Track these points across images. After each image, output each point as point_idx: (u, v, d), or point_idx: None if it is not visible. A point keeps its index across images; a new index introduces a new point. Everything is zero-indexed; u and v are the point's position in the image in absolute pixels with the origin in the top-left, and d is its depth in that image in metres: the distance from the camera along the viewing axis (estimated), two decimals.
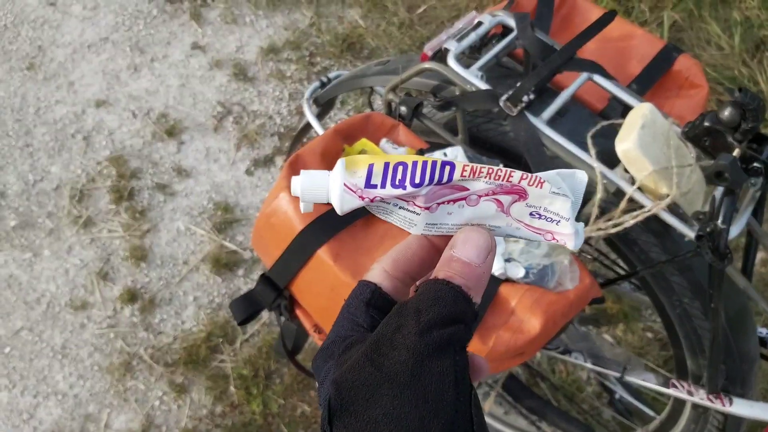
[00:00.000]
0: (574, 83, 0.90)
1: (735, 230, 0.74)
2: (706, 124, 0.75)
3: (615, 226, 0.79)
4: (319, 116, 1.25)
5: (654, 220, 0.83)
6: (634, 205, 0.81)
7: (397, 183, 0.35)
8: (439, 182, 0.35)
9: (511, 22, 0.97)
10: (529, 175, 0.36)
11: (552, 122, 0.86)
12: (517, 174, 0.36)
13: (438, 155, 0.87)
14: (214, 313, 1.74)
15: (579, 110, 0.94)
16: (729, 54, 2.10)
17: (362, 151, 0.92)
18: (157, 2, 2.45)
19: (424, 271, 0.39)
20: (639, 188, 0.79)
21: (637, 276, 0.90)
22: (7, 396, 1.66)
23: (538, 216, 0.37)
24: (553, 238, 0.37)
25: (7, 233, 1.90)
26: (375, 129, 0.95)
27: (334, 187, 0.36)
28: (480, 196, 0.36)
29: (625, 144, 0.78)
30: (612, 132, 0.84)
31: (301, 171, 0.37)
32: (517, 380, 1.29)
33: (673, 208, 0.79)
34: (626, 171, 0.81)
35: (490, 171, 0.35)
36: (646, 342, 1.63)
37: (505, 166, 0.91)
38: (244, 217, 1.92)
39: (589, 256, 1.04)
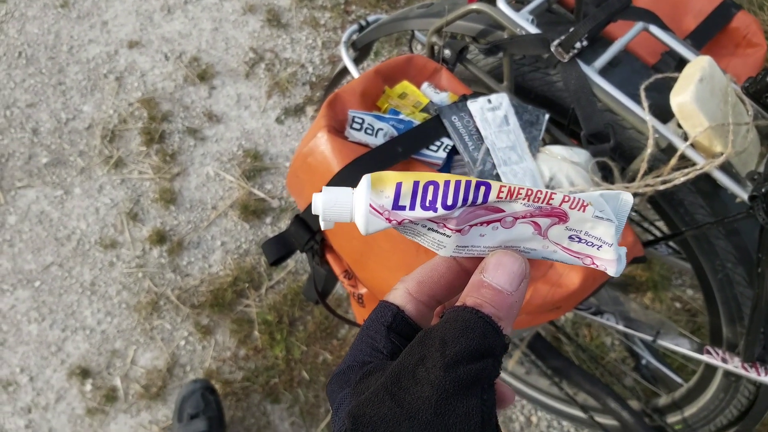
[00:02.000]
0: (628, 32, 0.86)
1: None
2: None
3: (664, 182, 0.76)
4: (356, 61, 1.22)
5: (704, 179, 0.79)
6: (684, 163, 0.77)
7: (427, 204, 0.32)
8: (473, 204, 0.33)
9: None
10: (572, 197, 0.33)
11: (603, 72, 0.83)
12: (558, 196, 0.33)
13: (482, 101, 0.84)
14: (241, 258, 1.75)
15: (632, 62, 0.89)
16: None
17: (402, 95, 0.89)
18: None
19: (451, 294, 0.36)
20: (692, 144, 0.76)
21: (681, 237, 0.88)
22: (37, 328, 1.70)
23: (578, 240, 0.34)
24: (593, 263, 0.35)
25: (39, 170, 1.92)
26: (417, 72, 0.92)
27: (358, 207, 0.33)
28: (516, 218, 0.33)
29: (681, 97, 0.75)
30: (665, 87, 0.80)
31: (323, 188, 0.34)
32: (543, 339, 1.28)
33: (727, 168, 0.76)
34: (679, 127, 0.78)
35: (529, 192, 0.33)
36: (674, 311, 1.60)
37: (550, 117, 0.87)
38: (273, 165, 1.91)
39: (634, 213, 1.01)
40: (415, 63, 0.92)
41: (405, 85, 0.90)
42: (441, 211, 0.32)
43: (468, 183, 0.32)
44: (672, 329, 1.00)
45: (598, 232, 0.34)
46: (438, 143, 0.82)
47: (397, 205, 0.33)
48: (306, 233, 0.89)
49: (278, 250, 0.93)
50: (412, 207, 0.33)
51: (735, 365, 0.89)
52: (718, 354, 0.91)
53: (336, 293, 1.68)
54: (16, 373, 1.64)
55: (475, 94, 0.88)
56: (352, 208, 0.34)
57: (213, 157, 1.92)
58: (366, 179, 0.33)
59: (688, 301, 1.60)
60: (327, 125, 0.81)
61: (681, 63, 0.90)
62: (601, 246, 0.34)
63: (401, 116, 0.86)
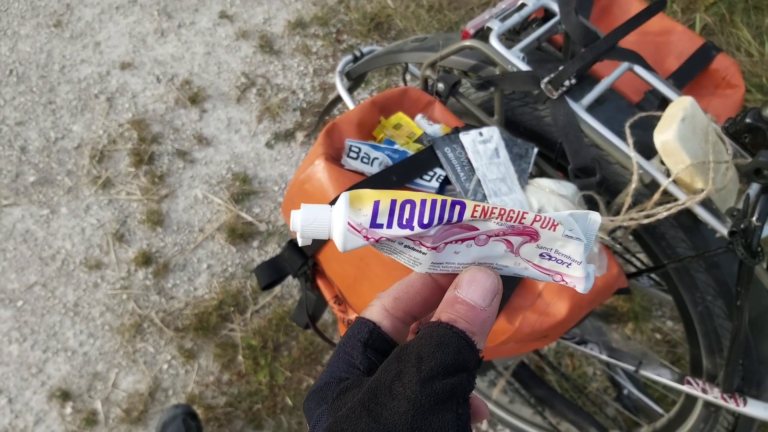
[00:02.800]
0: (614, 72, 0.90)
1: None
2: (748, 120, 0.74)
3: (647, 216, 0.79)
4: (350, 90, 1.24)
5: (685, 214, 0.82)
6: (667, 198, 0.81)
7: (404, 223, 0.33)
8: (449, 222, 0.33)
9: (555, 7, 0.97)
10: (542, 216, 0.34)
11: (590, 109, 0.86)
12: (530, 215, 0.34)
13: (474, 134, 0.87)
14: (227, 282, 1.75)
15: (617, 100, 0.93)
16: (758, 61, 2.09)
17: (397, 125, 0.92)
18: None
19: (427, 310, 0.37)
20: (674, 181, 0.79)
21: (662, 270, 0.90)
22: (18, 349, 1.67)
23: (548, 257, 0.35)
24: (563, 280, 0.36)
25: (26, 188, 1.91)
26: (411, 104, 0.94)
27: (336, 225, 0.34)
28: (489, 237, 0.34)
29: (664, 135, 0.78)
30: (648, 124, 0.84)
31: (302, 205, 0.34)
32: (527, 368, 1.29)
33: (707, 204, 0.79)
34: (662, 163, 0.81)
35: (502, 212, 0.34)
36: (654, 342, 1.63)
37: (539, 151, 0.90)
38: (261, 189, 1.92)
39: (618, 246, 1.04)
40: (409, 95, 0.95)
41: (400, 116, 0.92)
42: (417, 229, 0.33)
43: (444, 202, 0.33)
44: (654, 360, 1.02)
45: (567, 251, 0.35)
46: (431, 173, 0.84)
47: (374, 223, 0.33)
48: (299, 258, 0.90)
49: (271, 274, 0.94)
50: (390, 225, 0.33)
51: (715, 396, 0.91)
52: (698, 384, 0.94)
53: (322, 320, 1.68)
54: None
55: (467, 127, 0.91)
56: (330, 225, 0.34)
57: (202, 179, 1.93)
58: (344, 197, 0.33)
59: (668, 333, 1.63)
60: (324, 153, 0.83)
61: (663, 102, 0.94)
62: (570, 264, 0.35)
63: (396, 146, 0.88)
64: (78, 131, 2.03)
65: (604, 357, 1.03)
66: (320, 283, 0.97)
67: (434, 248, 0.34)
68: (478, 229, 0.34)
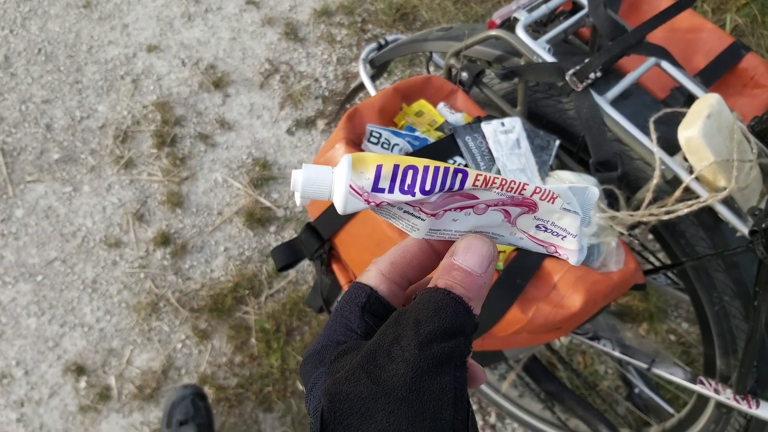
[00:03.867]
0: (641, 67, 0.89)
1: None
2: None
3: (668, 212, 0.78)
4: (373, 78, 1.25)
5: (706, 212, 0.82)
6: (688, 195, 0.80)
7: (406, 188, 0.33)
8: (450, 190, 0.34)
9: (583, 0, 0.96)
10: (542, 188, 0.34)
11: (615, 103, 0.85)
12: (530, 187, 0.34)
13: (495, 124, 0.87)
14: (243, 265, 1.77)
15: (642, 95, 0.92)
16: None
17: (419, 113, 0.92)
18: None
19: (423, 274, 0.37)
20: (697, 178, 0.78)
21: (680, 268, 0.90)
22: (36, 323, 1.71)
23: (544, 229, 0.36)
24: (556, 252, 0.36)
25: (50, 165, 1.94)
26: (434, 92, 0.94)
27: (338, 186, 0.33)
28: (489, 206, 0.35)
29: (689, 131, 0.77)
30: (673, 121, 0.83)
31: (303, 165, 0.34)
32: (539, 362, 1.29)
33: (729, 202, 0.78)
34: (685, 160, 0.80)
35: (504, 182, 0.34)
36: (668, 344, 1.62)
37: (560, 143, 0.90)
38: (280, 175, 1.93)
39: (636, 242, 1.03)
40: (432, 83, 0.95)
41: (422, 104, 0.93)
42: (419, 195, 0.33)
43: (446, 169, 0.33)
44: (667, 358, 1.01)
45: (564, 223, 0.35)
46: (451, 161, 0.84)
47: (376, 188, 0.33)
48: (316, 242, 0.91)
49: (287, 256, 0.95)
50: (391, 190, 0.33)
51: (727, 397, 0.91)
52: (711, 385, 0.93)
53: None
54: (12, 366, 1.65)
55: (489, 117, 0.91)
56: (331, 186, 0.34)
57: (222, 163, 1.95)
58: (347, 159, 0.33)
59: (683, 334, 1.62)
60: (345, 137, 0.84)
61: (690, 99, 0.92)
62: (565, 236, 0.35)
63: (417, 133, 0.88)
64: (103, 111, 2.05)
65: (616, 354, 1.02)
66: (335, 267, 0.98)
67: (433, 215, 0.34)
68: (478, 198, 0.34)
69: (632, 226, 0.84)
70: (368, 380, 0.30)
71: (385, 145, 0.84)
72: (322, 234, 0.91)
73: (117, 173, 1.92)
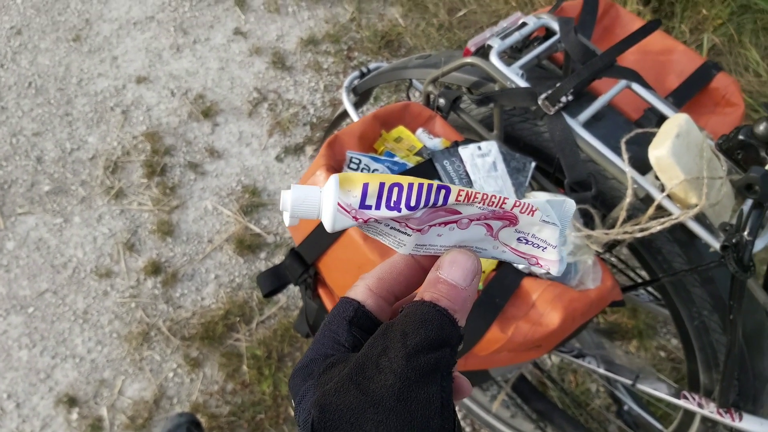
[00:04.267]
0: (612, 89, 0.91)
1: (760, 243, 0.75)
2: (741, 137, 0.76)
3: (642, 230, 0.80)
4: (356, 105, 1.27)
5: (680, 229, 0.84)
6: (661, 213, 0.82)
7: (392, 205, 0.34)
8: (434, 205, 0.35)
9: (555, 26, 0.99)
10: (522, 202, 0.36)
11: (588, 125, 0.88)
12: (510, 201, 0.36)
13: (472, 148, 0.89)
14: (234, 292, 1.78)
15: (615, 116, 0.95)
16: (766, 81, 2.09)
17: (398, 138, 0.94)
18: None
19: (409, 290, 0.38)
20: (668, 196, 0.80)
21: (658, 284, 0.91)
22: (27, 354, 1.70)
23: (525, 241, 0.37)
24: (538, 263, 0.38)
25: (40, 197, 1.96)
26: (412, 118, 0.97)
27: (326, 205, 0.35)
28: (471, 220, 0.36)
29: (658, 151, 0.80)
30: (645, 141, 0.85)
31: (292, 185, 0.36)
32: (527, 382, 1.30)
33: (701, 218, 0.80)
34: (657, 179, 0.82)
35: (485, 197, 0.35)
36: (658, 360, 1.63)
37: (537, 165, 0.92)
38: (270, 202, 1.95)
39: (613, 259, 1.05)
40: (411, 110, 0.98)
41: (401, 130, 0.95)
42: (404, 211, 0.34)
43: (430, 186, 0.35)
44: (651, 374, 1.02)
45: (544, 235, 0.37)
46: None
47: (363, 204, 0.34)
48: (300, 266, 0.92)
49: (273, 282, 0.96)
50: (378, 207, 0.34)
51: (711, 411, 0.92)
52: (694, 399, 0.94)
53: None
54: (3, 399, 1.64)
55: (467, 141, 0.93)
56: (320, 205, 0.35)
57: (212, 191, 1.96)
58: (334, 179, 0.34)
59: (673, 351, 1.63)
60: (326, 164, 0.86)
61: (662, 119, 0.95)
62: (546, 248, 0.37)
63: (396, 158, 0.90)
64: (93, 143, 2.08)
65: (601, 370, 1.03)
66: (321, 291, 0.99)
67: (419, 230, 0.36)
68: (461, 213, 0.36)
69: (608, 244, 0.86)
70: (357, 391, 0.31)
71: (365, 171, 0.86)
72: (306, 259, 0.92)
73: (107, 204, 1.94)
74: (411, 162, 0.89)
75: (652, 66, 1.11)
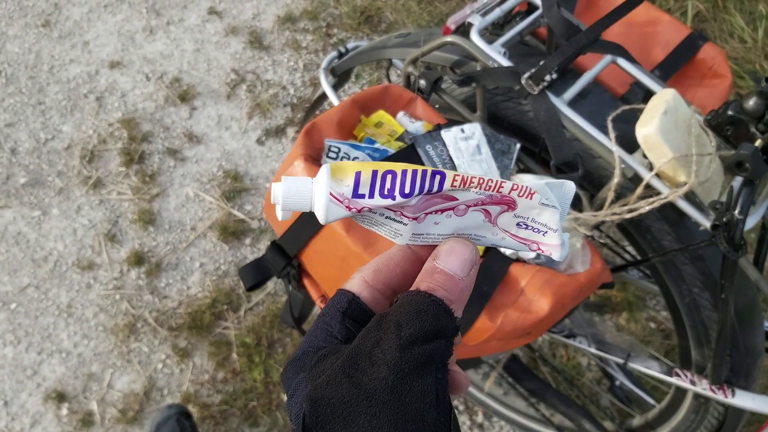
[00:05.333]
0: (597, 65, 0.89)
1: (751, 221, 0.73)
2: (730, 113, 0.74)
3: (630, 211, 0.78)
4: (335, 87, 1.24)
5: (669, 207, 0.82)
6: (650, 192, 0.80)
7: (385, 193, 0.33)
8: (429, 192, 0.34)
9: (537, 0, 0.96)
10: (520, 185, 0.34)
11: (573, 103, 0.85)
12: (507, 184, 0.34)
13: (455, 131, 0.86)
14: (220, 280, 1.75)
15: (601, 93, 0.92)
16: (751, 47, 2.07)
17: (378, 124, 0.91)
18: None
19: (407, 283, 0.37)
20: (657, 174, 0.78)
21: (648, 263, 0.90)
22: (12, 351, 1.68)
23: (525, 227, 0.36)
24: (539, 249, 0.36)
25: (17, 190, 1.91)
26: (393, 101, 0.94)
27: (318, 196, 0.34)
28: (468, 206, 0.35)
29: (646, 129, 0.77)
30: (633, 117, 0.83)
31: (283, 177, 0.34)
32: (518, 361, 1.29)
33: (690, 197, 0.78)
34: (645, 157, 0.80)
35: (481, 181, 0.34)
36: (649, 332, 1.63)
37: (522, 145, 0.89)
38: (253, 186, 1.91)
39: (600, 241, 1.04)
40: (391, 93, 0.94)
41: (381, 115, 0.92)
42: (399, 198, 0.33)
43: (424, 172, 0.34)
44: (643, 352, 1.02)
45: (544, 219, 0.35)
46: None
47: (356, 194, 0.33)
48: (282, 259, 0.90)
49: (255, 275, 0.93)
50: (371, 195, 0.33)
51: (703, 387, 0.91)
52: (686, 376, 0.94)
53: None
54: None
55: (450, 124, 0.90)
56: (312, 196, 0.34)
57: (193, 177, 1.92)
58: (326, 168, 0.33)
59: (663, 322, 1.63)
60: (304, 153, 0.83)
61: (649, 93, 0.93)
62: (546, 232, 0.36)
63: (377, 145, 0.87)
64: (68, 131, 2.02)
65: (592, 350, 1.03)
66: (306, 282, 0.97)
67: (415, 218, 0.35)
68: (457, 199, 0.35)
69: (596, 225, 0.84)
70: (350, 384, 0.30)
71: (345, 159, 0.83)
72: (287, 251, 0.90)
73: (86, 194, 1.89)
74: (392, 148, 0.86)
75: (637, 38, 1.08)
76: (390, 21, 2.26)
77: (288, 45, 2.22)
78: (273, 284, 1.74)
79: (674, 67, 1.06)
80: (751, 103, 0.72)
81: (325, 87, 1.17)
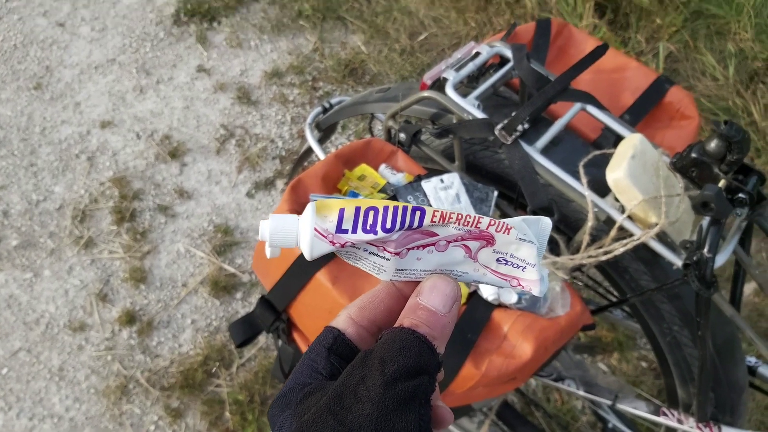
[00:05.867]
0: (567, 113, 0.93)
1: (720, 259, 0.76)
2: (693, 155, 0.77)
3: (606, 253, 0.80)
4: (321, 141, 1.27)
5: (644, 248, 0.84)
6: (624, 233, 0.82)
7: (368, 228, 0.35)
8: (410, 227, 0.35)
9: (508, 53, 1.00)
10: (497, 221, 0.36)
11: (546, 151, 0.88)
12: (485, 220, 0.36)
13: (435, 181, 0.89)
14: (212, 336, 1.75)
15: (573, 139, 0.96)
16: (724, 85, 2.14)
17: (361, 177, 0.94)
18: (165, 25, 2.50)
19: (391, 319, 0.38)
20: (629, 217, 0.81)
21: (628, 303, 0.92)
22: (3, 418, 1.65)
23: (504, 262, 0.37)
24: (519, 284, 0.37)
25: (8, 252, 1.92)
26: (375, 154, 0.97)
27: (304, 232, 0.35)
28: (449, 242, 0.36)
29: (615, 173, 0.80)
30: (604, 161, 0.86)
31: (270, 215, 0.36)
32: (511, 408, 1.29)
33: (662, 237, 0.81)
34: (616, 200, 0.83)
35: (459, 217, 0.36)
36: (640, 371, 1.63)
37: (500, 193, 0.92)
38: (243, 239, 1.93)
39: (580, 284, 1.05)
40: (372, 146, 0.98)
41: (363, 168, 0.95)
42: (381, 233, 0.35)
43: (405, 208, 0.35)
44: (630, 392, 1.03)
45: (522, 254, 0.37)
46: None
47: (340, 229, 0.35)
48: (271, 314, 0.91)
49: (245, 331, 0.95)
50: (354, 230, 0.35)
51: (690, 426, 0.92)
52: (674, 415, 0.94)
53: None
54: None
55: (429, 174, 0.94)
56: (297, 233, 0.36)
57: (184, 233, 1.94)
58: (311, 205, 0.35)
59: (653, 361, 1.63)
60: (290, 209, 0.85)
61: (619, 138, 0.96)
62: (525, 267, 0.37)
63: (360, 197, 0.90)
64: (60, 192, 2.04)
65: (581, 393, 1.03)
66: (296, 336, 0.98)
67: (397, 254, 0.36)
68: (438, 235, 0.36)
69: (575, 269, 0.86)
70: (335, 421, 0.31)
71: None
72: (276, 306, 0.91)
73: (77, 254, 1.90)
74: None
75: (607, 84, 1.13)
76: (373, 72, 2.33)
77: (275, 99, 2.27)
78: (264, 338, 1.74)
79: (643, 111, 1.10)
80: (713, 145, 0.75)
81: (311, 142, 1.20)
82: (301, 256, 0.82)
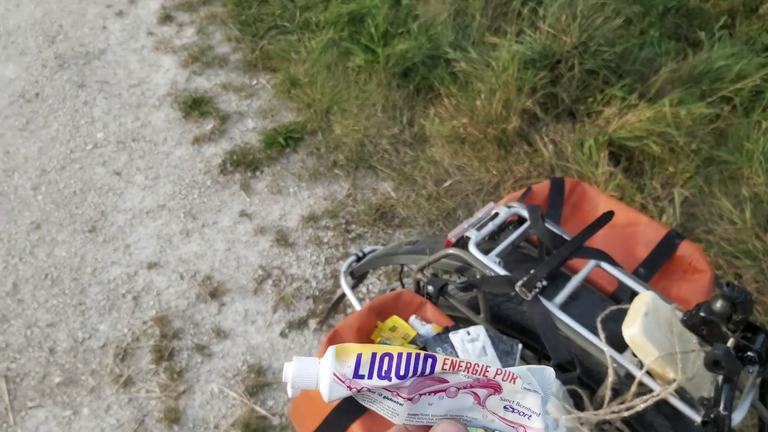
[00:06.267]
0: (583, 270, 1.00)
1: (738, 416, 0.79)
2: (702, 314, 0.83)
3: (628, 409, 0.84)
4: (354, 286, 1.36)
5: (665, 403, 0.88)
6: (645, 388, 0.86)
7: (383, 374, 0.38)
8: (422, 374, 0.38)
9: (525, 213, 1.11)
10: (504, 370, 0.40)
11: (565, 306, 0.95)
12: (492, 369, 0.39)
13: (462, 333, 0.96)
14: None
15: (590, 294, 1.03)
16: (742, 228, 2.21)
17: (393, 328, 1.02)
18: (212, 174, 2.73)
19: None
20: (648, 372, 0.85)
21: None
22: None
23: (511, 410, 0.40)
24: None
25: (51, 389, 1.98)
26: (405, 306, 1.05)
27: (324, 376, 0.38)
28: (459, 389, 0.39)
29: (631, 330, 0.86)
30: (621, 315, 0.93)
31: (294, 357, 0.40)
32: None
33: (681, 393, 0.84)
34: (634, 355, 0.88)
35: (468, 365, 0.39)
36: None
37: (525, 344, 0.98)
38: (275, 380, 1.97)
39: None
40: (403, 298, 1.06)
41: (395, 320, 1.02)
42: (395, 380, 0.37)
43: (417, 355, 0.38)
44: None
45: (527, 403, 0.40)
46: None
47: (357, 374, 0.38)
48: None
49: None
50: (370, 376, 0.38)
51: None
52: None
53: None
54: None
55: (456, 326, 1.00)
56: (318, 376, 0.39)
57: (218, 373, 2.00)
58: (331, 350, 0.38)
59: None
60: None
61: (635, 292, 1.03)
62: (530, 416, 0.40)
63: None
64: (104, 330, 2.15)
65: None
66: None
67: (410, 399, 0.39)
68: (448, 382, 0.39)
69: (599, 424, 0.89)
70: None
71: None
72: None
73: (116, 392, 1.96)
74: None
75: (621, 239, 1.21)
76: (402, 216, 2.48)
77: (311, 241, 2.41)
78: None
79: (657, 264, 1.17)
80: (718, 305, 0.81)
81: (345, 289, 1.30)
82: (338, 406, 0.88)
